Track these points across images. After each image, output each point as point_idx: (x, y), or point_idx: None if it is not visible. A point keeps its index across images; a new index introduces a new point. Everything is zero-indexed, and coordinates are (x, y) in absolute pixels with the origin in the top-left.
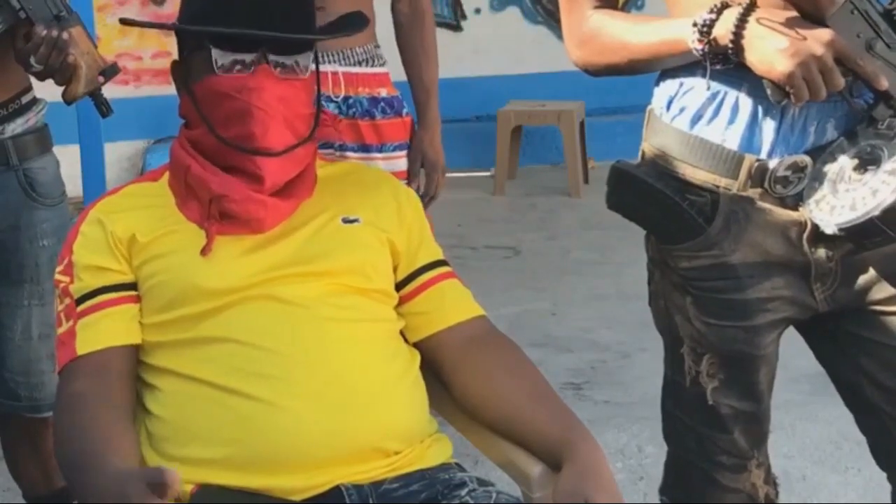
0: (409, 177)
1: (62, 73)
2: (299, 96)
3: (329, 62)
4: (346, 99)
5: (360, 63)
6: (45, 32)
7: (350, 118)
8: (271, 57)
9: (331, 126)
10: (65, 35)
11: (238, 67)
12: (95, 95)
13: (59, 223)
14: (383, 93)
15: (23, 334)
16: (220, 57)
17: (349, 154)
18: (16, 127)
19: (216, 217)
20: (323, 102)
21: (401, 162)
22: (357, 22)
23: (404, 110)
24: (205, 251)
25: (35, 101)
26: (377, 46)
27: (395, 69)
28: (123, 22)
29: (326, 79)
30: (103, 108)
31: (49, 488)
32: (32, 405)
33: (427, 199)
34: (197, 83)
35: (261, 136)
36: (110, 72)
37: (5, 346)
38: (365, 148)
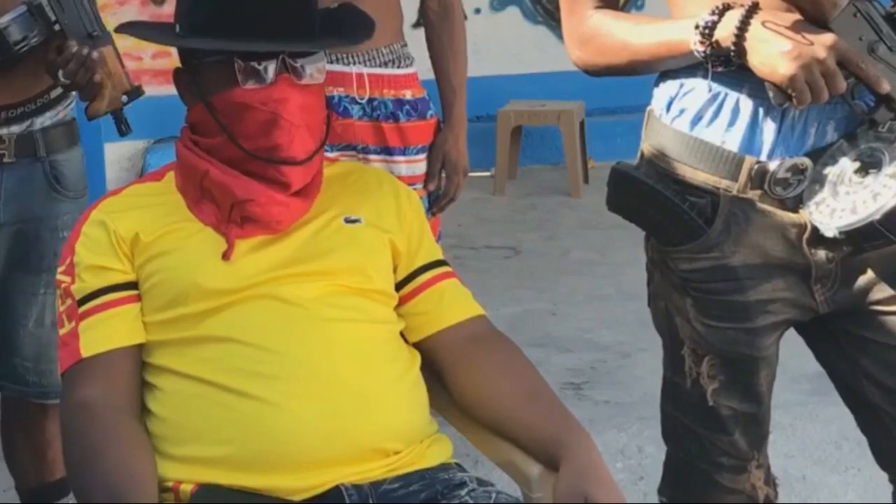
0: (428, 177)
1: (87, 91)
2: (318, 102)
3: (354, 63)
4: (370, 101)
5: (385, 64)
6: (76, 49)
7: (374, 120)
8: (290, 62)
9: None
10: (94, 54)
11: (259, 77)
12: (117, 115)
13: (79, 216)
14: (408, 94)
15: (36, 322)
16: (243, 69)
17: (371, 157)
18: (45, 120)
19: (237, 221)
20: (347, 104)
21: (422, 165)
22: (363, 26)
23: (429, 112)
24: (227, 256)
25: (64, 94)
26: (404, 45)
27: (423, 66)
28: (132, 34)
29: (351, 80)
30: (122, 126)
31: (40, 481)
32: (40, 391)
33: (446, 200)
34: (217, 96)
35: (287, 147)
36: (134, 94)
37: (19, 332)
38: (388, 150)
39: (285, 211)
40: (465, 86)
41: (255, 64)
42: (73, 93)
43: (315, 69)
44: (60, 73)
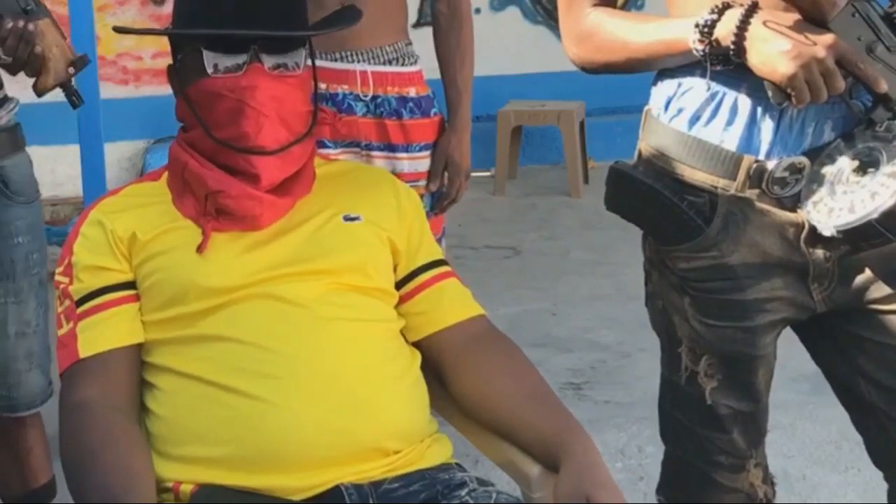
0: (430, 177)
1: (31, 65)
2: (294, 94)
3: (358, 61)
4: (374, 98)
5: (389, 62)
6: (11, 24)
7: (377, 117)
8: (263, 56)
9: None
10: (31, 27)
11: (230, 68)
12: (66, 87)
13: (33, 221)
14: (412, 92)
15: (0, 333)
16: (211, 59)
17: (374, 153)
18: None
19: (212, 214)
20: (351, 101)
21: (425, 162)
22: (349, 16)
23: (433, 110)
24: (200, 248)
25: (6, 99)
26: (409, 44)
27: (426, 65)
28: (117, 30)
29: (355, 77)
30: (74, 98)
31: (25, 489)
32: (9, 405)
33: (447, 201)
34: (191, 86)
35: (254, 135)
36: (80, 63)
37: None
38: (391, 147)
39: (258, 206)
40: (470, 88)
41: (223, 53)
42: (16, 100)
43: (289, 59)
44: (0, 50)
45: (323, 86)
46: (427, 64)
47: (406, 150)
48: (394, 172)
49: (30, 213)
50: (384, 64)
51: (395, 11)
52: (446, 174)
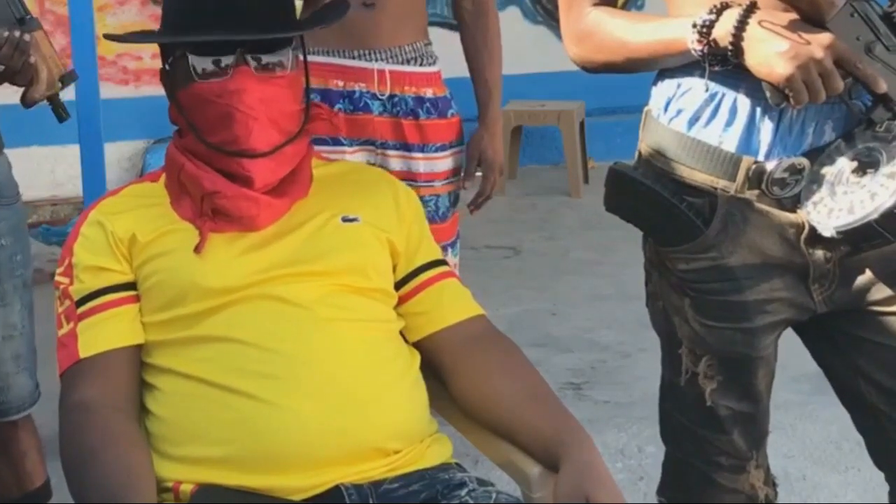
0: (465, 175)
1: (23, 75)
2: (283, 94)
3: (377, 60)
4: (391, 97)
5: (408, 61)
6: (7, 33)
7: (394, 116)
8: (250, 58)
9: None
10: (27, 37)
11: (217, 71)
12: (53, 100)
13: (15, 222)
14: (429, 93)
15: None
16: (197, 63)
17: (390, 152)
18: None
19: (209, 215)
20: (367, 100)
21: (441, 163)
22: (336, 12)
23: (450, 111)
24: (198, 249)
25: None
26: (428, 44)
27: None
28: (107, 38)
29: (373, 76)
30: (60, 111)
31: (21, 490)
32: (0, 409)
33: (482, 198)
34: (180, 91)
35: (245, 139)
36: (68, 78)
37: None
38: (406, 147)
39: (254, 206)
40: (500, 84)
41: (208, 57)
42: None
43: (277, 59)
44: None
45: (340, 83)
46: (441, 63)
47: (422, 150)
48: (409, 172)
49: (11, 214)
50: (403, 63)
51: (414, 11)
52: (479, 171)
